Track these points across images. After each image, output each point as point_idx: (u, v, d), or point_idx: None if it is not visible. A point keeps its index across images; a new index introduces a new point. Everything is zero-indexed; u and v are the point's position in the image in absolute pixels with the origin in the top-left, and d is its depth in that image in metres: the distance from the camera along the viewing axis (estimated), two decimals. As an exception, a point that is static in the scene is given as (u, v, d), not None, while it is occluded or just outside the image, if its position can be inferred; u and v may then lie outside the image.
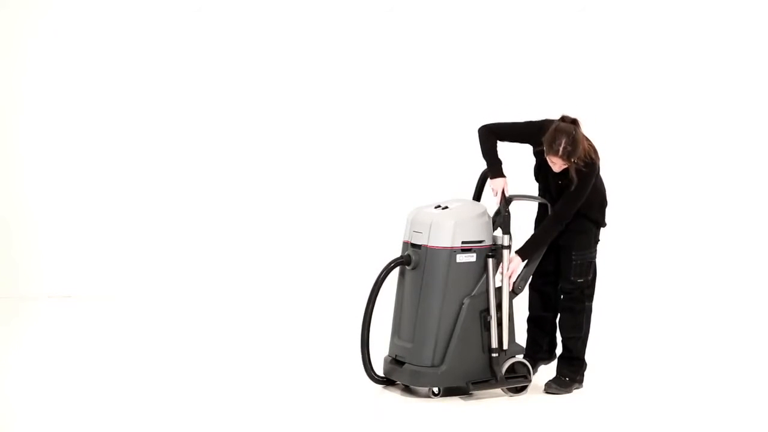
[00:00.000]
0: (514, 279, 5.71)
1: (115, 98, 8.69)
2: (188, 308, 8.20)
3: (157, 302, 8.37)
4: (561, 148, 5.51)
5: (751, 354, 6.87)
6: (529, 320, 6.06)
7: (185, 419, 5.36)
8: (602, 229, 5.91)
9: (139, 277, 8.71)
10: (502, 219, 5.71)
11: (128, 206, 8.73)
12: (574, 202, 5.65)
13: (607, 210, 5.92)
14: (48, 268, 8.68)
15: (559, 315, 5.92)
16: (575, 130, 5.54)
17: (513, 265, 5.69)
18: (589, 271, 5.84)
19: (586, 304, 5.88)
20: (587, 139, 5.64)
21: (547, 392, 5.82)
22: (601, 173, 5.81)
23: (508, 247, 5.69)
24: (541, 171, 5.84)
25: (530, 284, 5.98)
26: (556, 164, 5.59)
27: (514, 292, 5.74)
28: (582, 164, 5.58)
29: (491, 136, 5.80)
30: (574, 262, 5.78)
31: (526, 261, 5.75)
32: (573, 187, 5.61)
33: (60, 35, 8.61)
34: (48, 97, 8.64)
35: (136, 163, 8.73)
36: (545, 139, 5.56)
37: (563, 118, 5.62)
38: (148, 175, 8.74)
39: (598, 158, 5.69)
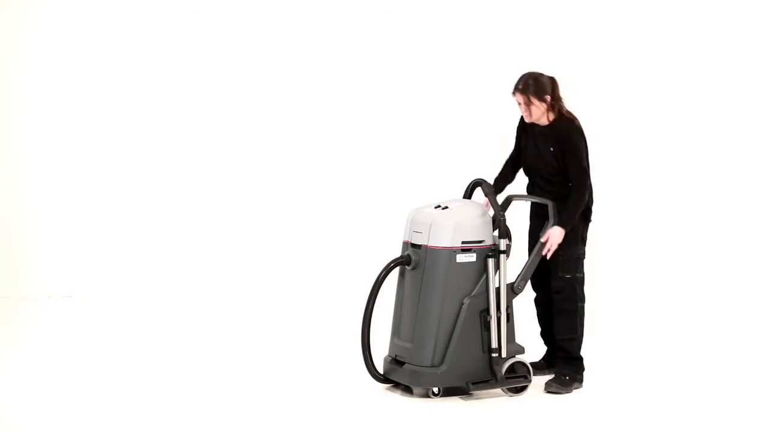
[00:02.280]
0: (553, 249, 5.69)
1: (115, 99, 8.69)
2: (188, 308, 8.20)
3: (157, 302, 8.38)
4: (522, 82, 5.69)
5: (750, 352, 6.87)
6: (541, 334, 6.10)
7: (185, 419, 5.36)
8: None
9: (139, 277, 8.72)
10: (497, 224, 5.71)
11: (128, 206, 8.73)
12: (580, 170, 5.66)
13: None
14: (48, 268, 8.68)
15: (554, 318, 5.93)
16: (542, 74, 5.71)
17: (555, 238, 5.67)
18: (577, 267, 5.84)
19: (579, 305, 5.89)
20: (564, 107, 5.75)
21: (547, 392, 5.82)
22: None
23: (505, 251, 5.69)
24: (525, 153, 5.89)
25: (533, 299, 6.02)
26: (521, 105, 5.72)
27: (514, 292, 5.75)
28: (556, 116, 5.70)
29: (508, 177, 5.97)
30: (561, 257, 5.78)
31: (568, 230, 5.70)
32: (568, 152, 5.66)
33: (60, 36, 8.62)
34: (48, 97, 8.65)
35: (135, 164, 8.74)
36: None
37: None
38: (147, 176, 8.75)
39: (578, 123, 5.76)
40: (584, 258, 5.88)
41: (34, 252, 8.69)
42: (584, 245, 5.87)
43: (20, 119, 8.65)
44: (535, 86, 5.68)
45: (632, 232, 8.84)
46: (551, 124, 5.74)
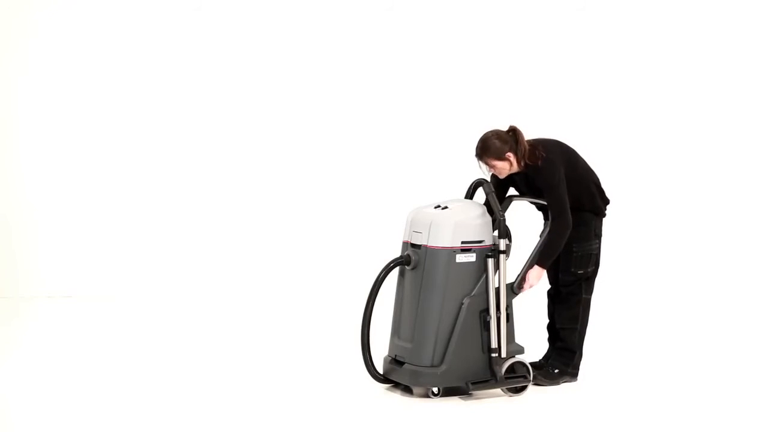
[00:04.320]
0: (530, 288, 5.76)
1: (115, 98, 8.70)
2: (188, 308, 8.20)
3: (157, 302, 8.38)
4: (478, 149, 5.68)
5: (749, 351, 6.86)
6: (548, 327, 6.10)
7: (185, 419, 5.36)
8: (607, 219, 5.92)
9: (139, 277, 8.72)
10: (497, 224, 5.72)
11: (128, 206, 8.73)
12: (556, 202, 5.67)
13: (608, 207, 5.95)
14: (48, 268, 8.68)
15: (556, 306, 5.96)
16: (496, 134, 5.67)
17: (533, 279, 5.72)
18: (589, 263, 5.87)
19: (583, 296, 5.91)
20: (527, 143, 5.70)
21: (535, 384, 5.83)
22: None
23: (505, 251, 5.69)
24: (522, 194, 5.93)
25: (547, 291, 6.04)
26: (490, 168, 5.73)
27: (514, 292, 5.75)
28: (524, 162, 5.67)
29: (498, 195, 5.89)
30: (574, 254, 5.83)
31: (545, 269, 5.76)
32: (544, 188, 5.68)
33: (60, 35, 8.62)
34: (48, 97, 8.65)
35: (135, 164, 8.74)
36: None
37: None
38: (147, 176, 8.75)
39: (548, 155, 5.68)
40: (598, 252, 5.90)
41: (34, 252, 8.69)
42: (598, 239, 5.90)
43: (20, 119, 8.65)
44: (493, 150, 5.66)
45: (633, 230, 8.83)
46: (524, 171, 5.75)
